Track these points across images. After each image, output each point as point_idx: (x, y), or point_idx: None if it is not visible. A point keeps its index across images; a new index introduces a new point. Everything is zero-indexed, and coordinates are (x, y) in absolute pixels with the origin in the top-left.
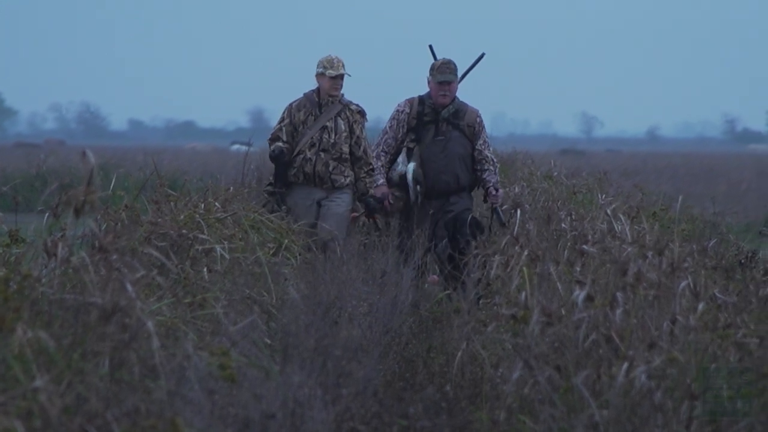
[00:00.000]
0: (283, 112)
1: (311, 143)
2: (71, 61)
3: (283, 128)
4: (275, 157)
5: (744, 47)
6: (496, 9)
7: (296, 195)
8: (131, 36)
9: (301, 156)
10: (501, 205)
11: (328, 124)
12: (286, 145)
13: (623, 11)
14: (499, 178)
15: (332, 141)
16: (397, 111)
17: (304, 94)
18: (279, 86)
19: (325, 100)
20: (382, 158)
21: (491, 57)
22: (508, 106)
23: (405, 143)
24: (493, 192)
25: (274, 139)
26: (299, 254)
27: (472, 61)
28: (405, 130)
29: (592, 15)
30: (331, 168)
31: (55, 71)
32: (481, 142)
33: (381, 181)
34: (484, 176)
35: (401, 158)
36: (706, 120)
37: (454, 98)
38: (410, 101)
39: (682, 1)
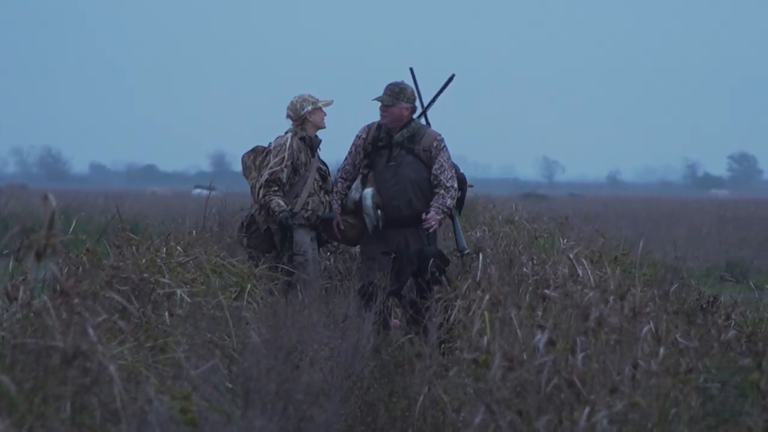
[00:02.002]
0: (281, 151)
1: (319, 186)
2: (32, 104)
3: (285, 170)
4: (285, 224)
5: (705, 93)
6: (457, 54)
7: (301, 234)
8: (92, 80)
9: (315, 198)
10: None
11: (321, 165)
12: (288, 207)
13: (583, 57)
14: (449, 202)
15: (331, 182)
16: (357, 137)
17: (295, 134)
18: (240, 130)
19: (315, 140)
20: (339, 184)
21: (452, 101)
22: (469, 150)
23: (360, 170)
24: (425, 215)
25: (274, 180)
26: (261, 298)
27: (443, 83)
28: (362, 156)
29: (553, 60)
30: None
31: (16, 115)
32: (437, 166)
33: (335, 206)
34: (432, 201)
35: (356, 185)
36: (667, 165)
37: (410, 122)
38: (368, 127)
39: (643, 46)
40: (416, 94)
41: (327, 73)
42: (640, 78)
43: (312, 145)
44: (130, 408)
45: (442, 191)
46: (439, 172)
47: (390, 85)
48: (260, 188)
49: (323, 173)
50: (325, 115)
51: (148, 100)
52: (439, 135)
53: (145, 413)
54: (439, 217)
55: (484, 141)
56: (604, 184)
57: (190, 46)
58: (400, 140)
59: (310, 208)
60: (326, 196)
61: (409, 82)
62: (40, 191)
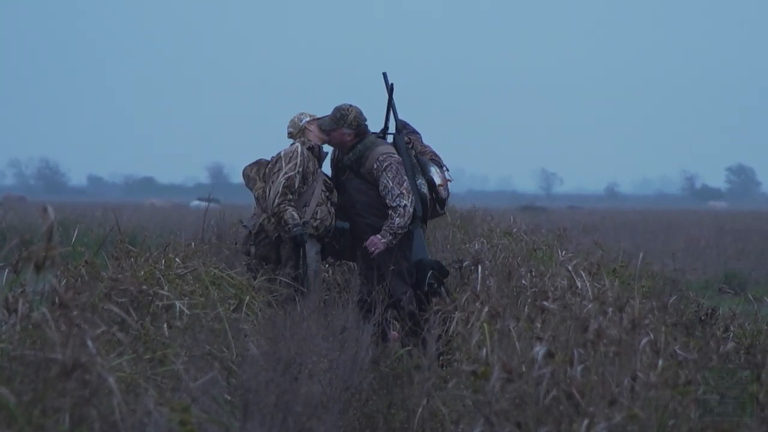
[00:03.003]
0: (296, 157)
1: (326, 196)
2: (30, 116)
3: (297, 176)
4: (299, 240)
5: (703, 105)
6: (455, 65)
7: (312, 248)
8: (90, 92)
9: (323, 208)
10: (383, 250)
11: (327, 178)
12: (301, 222)
13: (582, 69)
14: (396, 222)
15: (335, 195)
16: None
17: (304, 144)
18: (238, 142)
19: (321, 151)
20: None
21: (450, 112)
22: (467, 162)
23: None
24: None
25: (289, 186)
26: (260, 311)
27: (387, 91)
28: (334, 173)
29: (551, 72)
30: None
31: (14, 127)
32: (381, 188)
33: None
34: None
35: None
36: (665, 176)
37: (355, 145)
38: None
39: (641, 58)
40: (361, 118)
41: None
42: (639, 90)
43: (319, 155)
44: (129, 420)
45: (391, 212)
46: (385, 193)
47: (335, 108)
48: (276, 195)
49: (329, 185)
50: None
51: (146, 112)
52: (383, 155)
53: (144, 425)
54: (384, 240)
55: (481, 153)
56: (602, 196)
57: (187, 58)
58: (348, 163)
59: (318, 217)
60: (332, 207)
61: (382, 87)
62: (38, 203)
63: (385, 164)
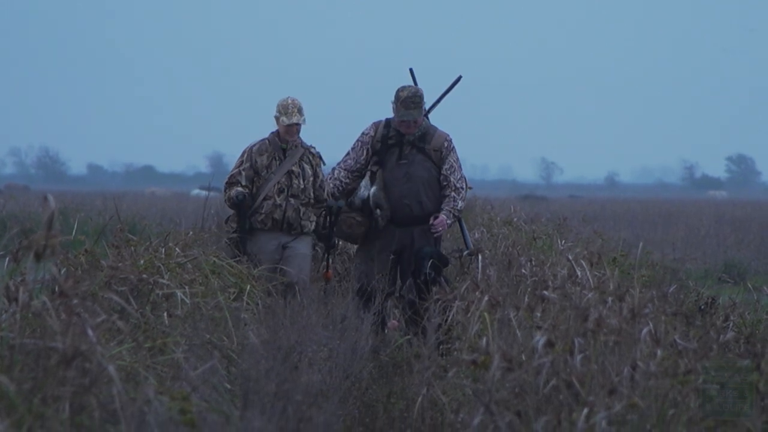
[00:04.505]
0: (242, 156)
1: (279, 189)
2: (30, 105)
3: (243, 172)
4: (238, 203)
5: (703, 94)
6: (455, 55)
7: (261, 240)
8: (90, 81)
9: (270, 201)
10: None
11: (294, 168)
12: (246, 190)
13: (581, 58)
14: (459, 205)
15: (302, 186)
16: (363, 134)
17: (266, 137)
18: (238, 131)
19: (288, 143)
20: (336, 172)
21: (450, 102)
22: (467, 151)
23: (369, 167)
24: (432, 220)
25: (233, 183)
26: (260, 300)
27: (449, 84)
28: (369, 153)
29: (551, 61)
30: (300, 213)
31: (14, 116)
32: (447, 166)
33: (335, 193)
34: (442, 203)
35: (364, 182)
36: (665, 166)
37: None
38: (376, 124)
39: (641, 47)
40: None
41: (326, 73)
42: (639, 79)
43: (285, 148)
44: (129, 409)
45: (453, 194)
46: (449, 172)
47: (412, 97)
48: (224, 191)
49: (293, 175)
50: (290, 130)
51: (146, 100)
52: (449, 135)
53: (144, 414)
54: (449, 222)
55: (482, 142)
56: (602, 185)
57: (187, 46)
58: (411, 139)
59: (263, 211)
60: (291, 199)
61: (409, 83)
62: (39, 192)
63: (452, 145)
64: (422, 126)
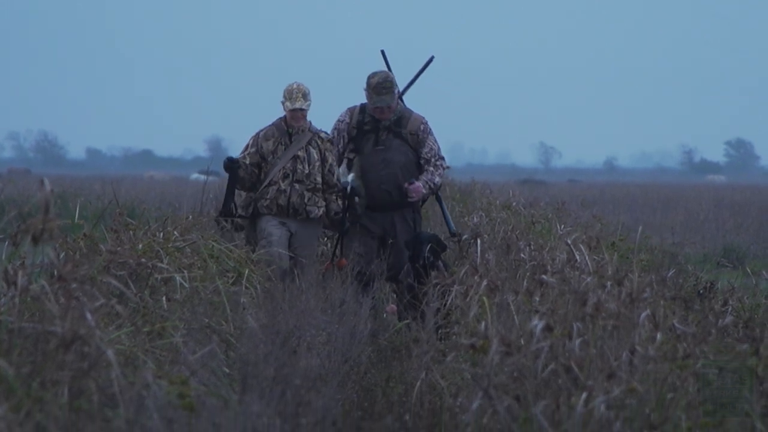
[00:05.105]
0: (249, 141)
1: (284, 174)
2: (29, 89)
3: (247, 157)
4: (230, 165)
5: (702, 79)
6: (454, 39)
7: (268, 222)
8: (88, 65)
9: (274, 187)
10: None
11: (300, 153)
12: (245, 162)
13: (581, 42)
14: (437, 179)
15: (306, 171)
16: (338, 121)
17: (273, 122)
18: (237, 115)
19: (294, 128)
20: None
21: (448, 86)
22: (466, 136)
23: (345, 154)
24: (407, 185)
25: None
26: (259, 284)
27: (421, 65)
28: (346, 141)
29: (550, 45)
30: (306, 199)
31: (13, 99)
32: (426, 149)
33: None
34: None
35: (342, 169)
36: (663, 150)
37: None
38: (351, 110)
39: (640, 32)
40: None
41: (323, 60)
42: (637, 63)
43: (291, 133)
44: (128, 392)
45: (431, 168)
46: (429, 155)
47: (383, 83)
48: None
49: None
50: (295, 115)
51: (144, 84)
52: (424, 118)
53: (142, 398)
54: (424, 191)
55: (480, 127)
56: (601, 169)
57: (187, 30)
58: (387, 124)
59: (268, 197)
60: (296, 184)
61: (381, 65)
62: (37, 176)
63: (429, 128)
64: (397, 110)
